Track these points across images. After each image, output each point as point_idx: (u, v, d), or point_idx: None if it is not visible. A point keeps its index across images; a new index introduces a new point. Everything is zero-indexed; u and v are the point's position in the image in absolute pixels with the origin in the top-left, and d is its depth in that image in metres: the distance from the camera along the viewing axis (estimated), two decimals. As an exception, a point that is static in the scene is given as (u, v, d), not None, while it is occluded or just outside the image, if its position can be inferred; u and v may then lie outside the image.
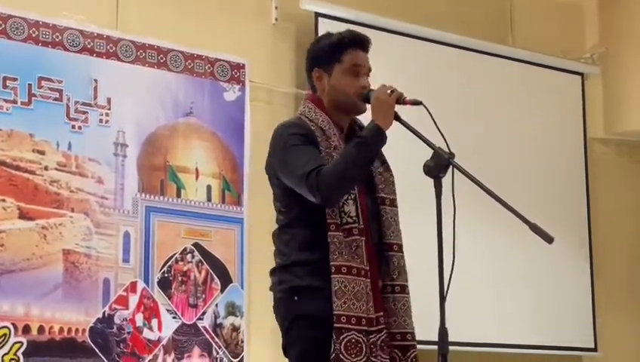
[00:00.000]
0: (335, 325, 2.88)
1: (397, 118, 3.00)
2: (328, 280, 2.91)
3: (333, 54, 3.09)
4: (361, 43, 3.13)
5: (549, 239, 2.74)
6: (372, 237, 3.04)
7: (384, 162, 3.15)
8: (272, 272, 3.08)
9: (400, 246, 3.08)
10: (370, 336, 2.92)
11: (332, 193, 2.92)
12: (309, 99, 3.15)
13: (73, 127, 4.62)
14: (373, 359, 2.91)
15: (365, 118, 3.12)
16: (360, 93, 3.06)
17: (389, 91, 3.00)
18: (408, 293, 3.07)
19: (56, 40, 4.61)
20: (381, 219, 3.07)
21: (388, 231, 3.07)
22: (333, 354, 2.86)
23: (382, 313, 3.00)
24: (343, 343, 2.87)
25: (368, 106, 3.06)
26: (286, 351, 3.02)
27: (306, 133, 3.01)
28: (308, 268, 2.96)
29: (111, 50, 4.77)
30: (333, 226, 2.94)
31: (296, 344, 2.96)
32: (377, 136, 2.96)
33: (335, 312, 2.88)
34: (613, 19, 6.62)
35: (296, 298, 2.96)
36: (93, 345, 4.52)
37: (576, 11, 6.76)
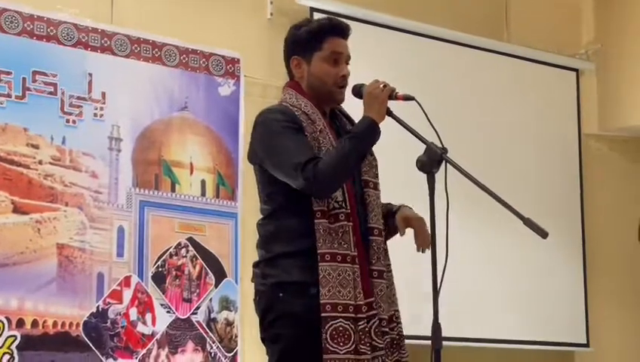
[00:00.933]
0: (321, 315, 2.85)
1: (389, 113, 3.00)
2: (316, 273, 2.88)
3: (313, 42, 3.06)
4: (341, 30, 3.10)
5: (544, 234, 2.73)
6: (361, 221, 3.01)
7: None
8: (256, 264, 3.04)
9: (380, 231, 3.04)
10: (359, 323, 2.89)
11: (328, 186, 2.90)
12: (289, 86, 3.12)
13: (67, 121, 4.62)
14: (363, 347, 2.88)
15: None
16: (339, 82, 3.05)
17: (381, 86, 3.00)
18: (386, 278, 3.03)
19: (51, 34, 4.60)
20: (365, 202, 3.04)
21: (371, 215, 3.03)
22: (322, 345, 2.84)
23: (373, 299, 2.96)
24: (329, 332, 2.85)
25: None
26: (264, 343, 3.00)
27: (291, 120, 2.97)
28: (296, 260, 2.93)
29: (106, 45, 4.76)
30: (319, 214, 2.91)
31: (280, 341, 2.93)
32: (372, 130, 2.95)
33: (321, 301, 2.85)
34: (609, 15, 6.62)
35: (281, 294, 2.92)
36: (87, 339, 4.52)
37: (572, 8, 6.77)
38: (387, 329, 2.99)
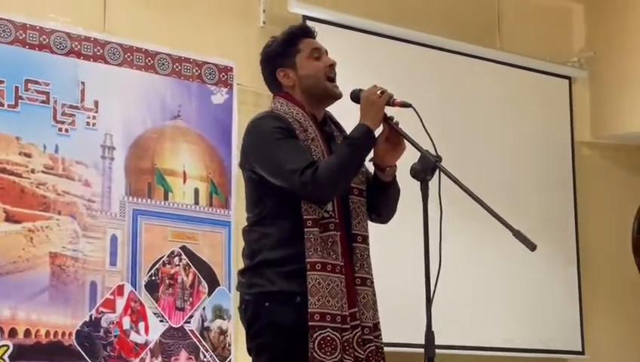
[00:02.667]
0: (309, 323, 2.85)
1: (385, 119, 3.01)
2: (301, 282, 2.89)
3: (290, 48, 3.12)
4: (308, 31, 3.18)
5: (532, 246, 2.74)
6: (345, 229, 3.01)
7: None
8: (242, 273, 3.04)
9: (364, 238, 3.05)
10: (345, 334, 2.90)
11: (328, 192, 2.91)
12: (280, 96, 3.14)
13: (60, 129, 4.61)
14: (347, 357, 2.88)
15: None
16: (328, 72, 3.08)
17: (379, 92, 3.01)
18: (370, 286, 3.03)
19: (43, 42, 4.59)
20: (348, 208, 3.04)
21: (354, 222, 3.04)
22: (309, 354, 2.84)
23: (356, 309, 2.97)
24: (317, 341, 2.85)
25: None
26: (250, 353, 3.00)
27: (286, 126, 2.99)
28: (279, 268, 2.93)
29: (98, 53, 4.76)
30: (310, 222, 2.91)
31: (266, 352, 2.93)
32: (367, 137, 2.97)
33: (309, 310, 2.86)
34: (601, 23, 6.64)
35: (267, 304, 2.93)
36: (79, 349, 4.50)
37: (564, 15, 6.78)
38: (371, 337, 3.00)
